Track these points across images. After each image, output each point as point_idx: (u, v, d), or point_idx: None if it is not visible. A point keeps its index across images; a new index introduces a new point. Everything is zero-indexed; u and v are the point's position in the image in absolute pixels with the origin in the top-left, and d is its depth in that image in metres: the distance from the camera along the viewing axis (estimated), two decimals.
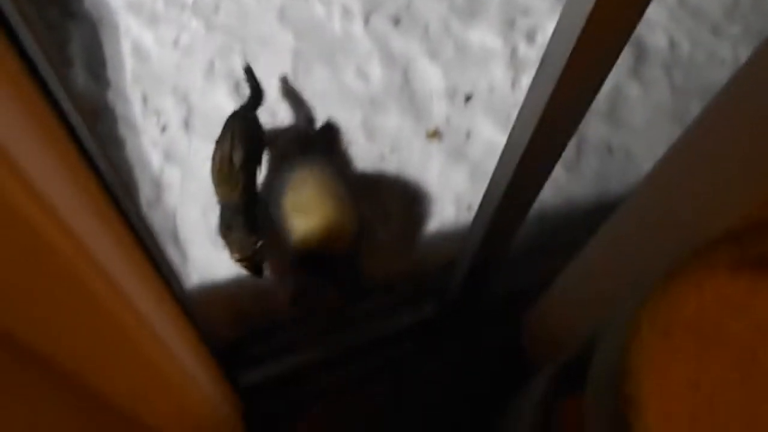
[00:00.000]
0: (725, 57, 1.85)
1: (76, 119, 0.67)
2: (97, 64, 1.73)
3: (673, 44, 1.84)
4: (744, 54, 1.79)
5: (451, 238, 1.57)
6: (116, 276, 0.60)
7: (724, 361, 0.59)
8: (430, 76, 1.75)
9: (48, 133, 0.58)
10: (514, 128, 0.83)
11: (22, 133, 0.47)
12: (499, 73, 1.75)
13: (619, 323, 0.64)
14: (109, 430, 0.80)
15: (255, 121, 1.53)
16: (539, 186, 1.01)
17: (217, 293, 1.48)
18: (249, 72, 1.58)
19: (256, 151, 1.49)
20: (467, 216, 1.59)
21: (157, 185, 1.59)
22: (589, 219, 1.63)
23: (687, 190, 0.87)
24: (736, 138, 0.76)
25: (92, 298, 0.56)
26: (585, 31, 0.60)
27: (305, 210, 1.40)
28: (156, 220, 1.54)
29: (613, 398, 0.59)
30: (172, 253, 1.51)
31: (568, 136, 0.85)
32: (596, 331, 0.75)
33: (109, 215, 0.70)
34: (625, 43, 0.67)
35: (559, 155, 0.91)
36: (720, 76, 1.82)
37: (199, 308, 1.46)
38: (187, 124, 1.66)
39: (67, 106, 0.65)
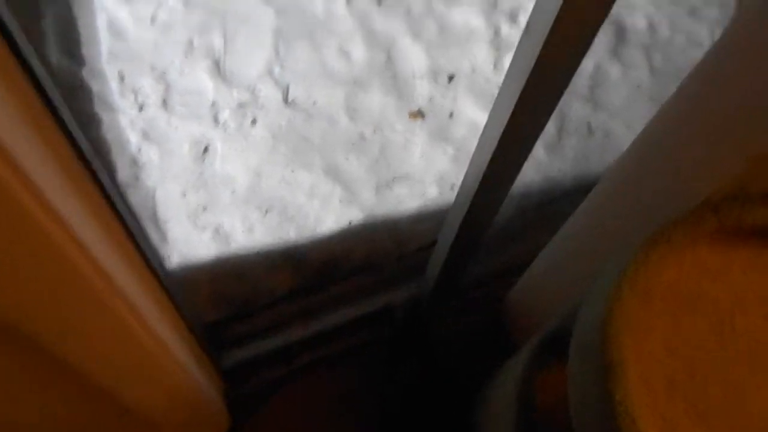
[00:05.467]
0: (703, 40, 1.86)
1: (54, 95, 0.65)
2: (72, 41, 1.69)
3: (652, 26, 1.85)
4: None
5: (434, 218, 1.57)
6: (98, 253, 0.59)
7: (701, 326, 0.60)
8: (413, 56, 1.74)
9: (29, 110, 0.56)
10: (494, 107, 0.83)
11: (3, 110, 0.46)
12: (482, 53, 1.75)
13: (601, 289, 0.65)
14: (94, 414, 0.79)
15: None
16: (520, 163, 1.01)
17: (197, 274, 1.47)
18: None
19: None
20: (450, 196, 1.59)
21: (135, 165, 1.56)
22: (569, 198, 1.66)
23: (662, 166, 0.88)
24: (709, 117, 0.77)
25: (74, 274, 0.55)
26: (562, 9, 0.60)
27: None
28: (134, 200, 1.52)
29: (594, 364, 0.60)
30: (151, 233, 1.49)
31: (548, 113, 0.85)
32: (578, 301, 0.76)
33: (89, 192, 0.68)
34: (602, 22, 0.67)
35: (539, 133, 0.91)
36: (698, 58, 1.83)
37: (180, 289, 1.45)
38: (165, 103, 1.63)
39: (46, 83, 0.63)
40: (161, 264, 1.00)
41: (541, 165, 1.65)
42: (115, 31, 1.71)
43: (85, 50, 1.68)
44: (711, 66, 0.80)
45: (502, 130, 0.83)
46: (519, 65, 0.70)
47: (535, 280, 1.32)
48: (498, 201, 1.13)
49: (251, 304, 1.44)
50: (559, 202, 1.62)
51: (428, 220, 1.56)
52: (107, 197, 0.74)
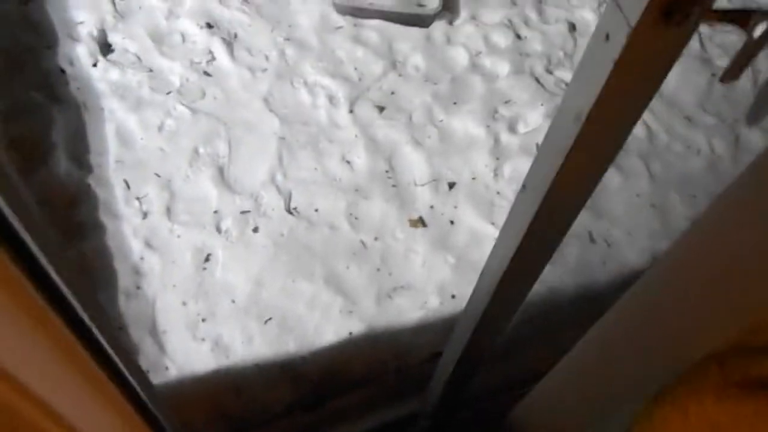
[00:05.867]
0: (701, 147, 1.90)
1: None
2: (80, 149, 1.73)
3: (650, 134, 1.89)
4: (718, 144, 1.84)
5: (435, 329, 1.55)
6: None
7: None
8: (414, 164, 1.77)
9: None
10: (504, 227, 0.82)
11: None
12: (482, 161, 1.78)
13: None
14: None
15: None
16: (532, 281, 1.01)
17: (195, 388, 1.44)
18: None
19: None
20: (451, 306, 1.57)
21: (137, 273, 1.56)
22: (571, 308, 1.64)
23: (672, 309, 0.87)
24: (712, 269, 0.77)
25: None
26: (568, 157, 0.60)
27: None
28: (134, 310, 1.51)
29: None
30: (149, 345, 1.47)
31: (560, 238, 0.85)
32: None
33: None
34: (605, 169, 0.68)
35: (550, 257, 0.91)
36: (696, 165, 1.86)
37: (176, 403, 1.42)
38: (169, 211, 1.65)
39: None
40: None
41: (542, 274, 1.64)
42: (123, 138, 1.75)
43: (93, 158, 1.72)
44: (716, 215, 0.80)
45: (513, 251, 0.82)
46: (529, 196, 0.70)
47: (542, 401, 1.29)
48: (507, 319, 1.12)
49: (249, 421, 1.40)
50: (561, 312, 1.60)
51: (429, 332, 1.55)
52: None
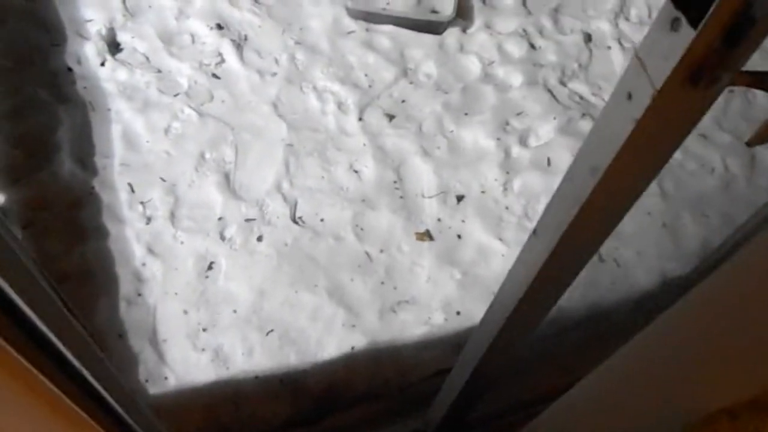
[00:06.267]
0: (715, 165, 1.86)
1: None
2: (85, 150, 1.71)
3: None
4: (733, 163, 1.80)
5: (440, 346, 1.53)
6: None
7: None
8: (423, 175, 1.75)
9: None
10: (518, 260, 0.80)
11: None
12: (492, 174, 1.75)
13: None
14: None
15: None
16: (539, 322, 0.98)
17: (194, 399, 1.42)
18: None
19: None
20: (456, 323, 1.55)
21: (138, 279, 1.55)
22: (579, 329, 1.61)
23: (695, 353, 0.84)
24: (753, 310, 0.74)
25: None
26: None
27: None
28: (134, 317, 1.49)
29: None
30: (148, 353, 1.45)
31: (570, 281, 0.82)
32: None
33: None
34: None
35: (560, 296, 0.89)
36: (710, 184, 1.83)
37: (173, 414, 1.40)
38: (173, 216, 1.63)
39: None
40: None
41: None
42: (129, 141, 1.73)
43: (98, 160, 1.70)
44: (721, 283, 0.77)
45: (522, 293, 0.80)
46: (551, 224, 0.67)
47: (551, 428, 1.26)
48: (520, 342, 1.10)
49: None
50: (568, 332, 1.58)
51: (433, 348, 1.52)
52: None
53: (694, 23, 0.40)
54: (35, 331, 0.56)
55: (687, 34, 0.40)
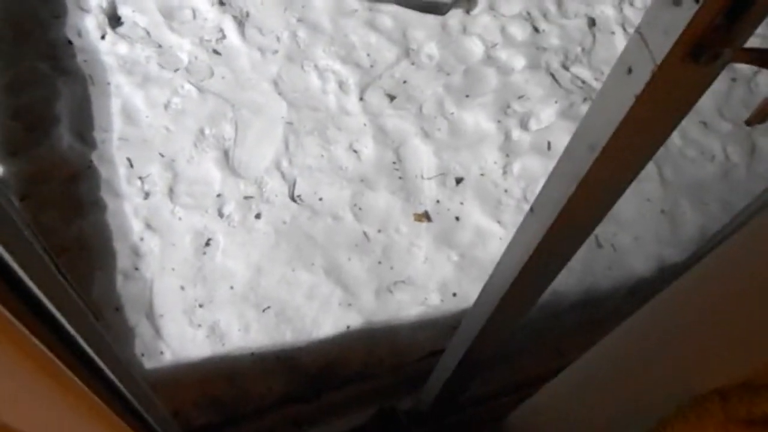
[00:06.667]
0: (715, 153, 1.85)
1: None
2: (84, 124, 1.70)
3: None
4: (733, 152, 1.80)
5: (435, 327, 1.53)
6: None
7: None
8: (422, 156, 1.74)
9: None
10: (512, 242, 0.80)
11: None
12: (492, 157, 1.74)
13: None
14: None
15: None
16: (534, 301, 0.98)
17: (189, 374, 1.43)
18: None
19: None
20: (452, 304, 1.55)
21: (136, 254, 1.55)
22: (574, 313, 1.62)
23: (686, 335, 0.84)
24: (744, 293, 0.74)
25: None
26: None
27: None
28: (131, 291, 1.50)
29: None
30: (145, 328, 1.46)
31: (566, 260, 0.82)
32: None
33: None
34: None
35: (555, 276, 0.89)
36: (709, 172, 1.83)
37: (169, 389, 1.41)
38: (171, 192, 1.62)
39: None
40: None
41: None
42: (128, 115, 1.73)
43: (97, 134, 1.69)
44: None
45: (518, 271, 0.80)
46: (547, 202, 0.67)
47: (543, 410, 1.27)
48: (511, 327, 1.10)
49: (241, 410, 1.40)
50: (563, 316, 1.58)
51: (428, 329, 1.53)
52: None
53: None
54: (31, 297, 0.56)
55: (689, 8, 0.40)
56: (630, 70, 0.46)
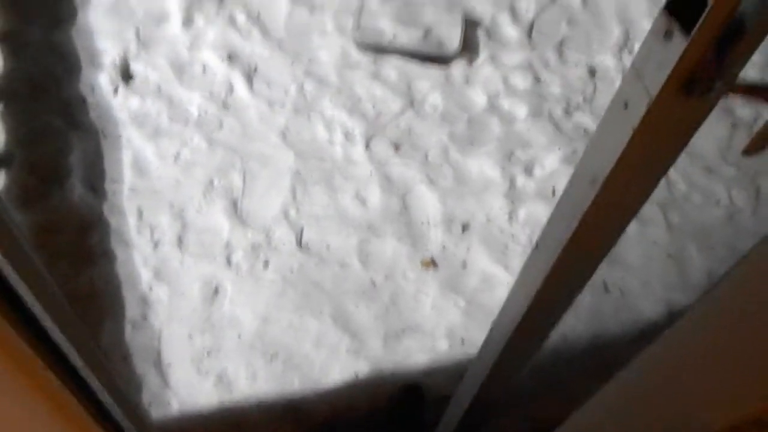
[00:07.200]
0: (720, 198, 1.87)
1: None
2: (96, 175, 1.73)
3: (669, 183, 1.86)
4: (738, 196, 1.81)
5: (443, 374, 1.52)
6: None
7: None
8: (428, 204, 1.76)
9: None
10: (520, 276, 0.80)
11: None
12: (497, 204, 1.76)
13: None
14: None
15: None
16: (542, 341, 0.98)
17: (197, 424, 1.41)
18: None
19: None
20: (460, 351, 1.54)
21: (145, 303, 1.55)
22: (582, 358, 1.60)
23: (693, 372, 0.84)
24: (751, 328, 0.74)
25: None
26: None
27: None
28: (139, 340, 1.50)
29: None
30: (153, 377, 1.45)
31: (573, 297, 0.82)
32: None
33: None
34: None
35: (562, 314, 0.89)
36: (715, 216, 1.83)
37: None
38: (180, 241, 1.64)
39: None
40: None
41: None
42: (139, 167, 1.76)
43: (108, 185, 1.72)
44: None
45: (525, 309, 0.80)
46: (547, 248, 0.68)
47: None
48: (518, 371, 1.09)
49: None
50: (572, 361, 1.57)
51: (437, 376, 1.52)
52: None
53: (686, 32, 0.41)
54: (39, 329, 0.56)
55: (680, 42, 0.42)
56: (626, 105, 0.48)
